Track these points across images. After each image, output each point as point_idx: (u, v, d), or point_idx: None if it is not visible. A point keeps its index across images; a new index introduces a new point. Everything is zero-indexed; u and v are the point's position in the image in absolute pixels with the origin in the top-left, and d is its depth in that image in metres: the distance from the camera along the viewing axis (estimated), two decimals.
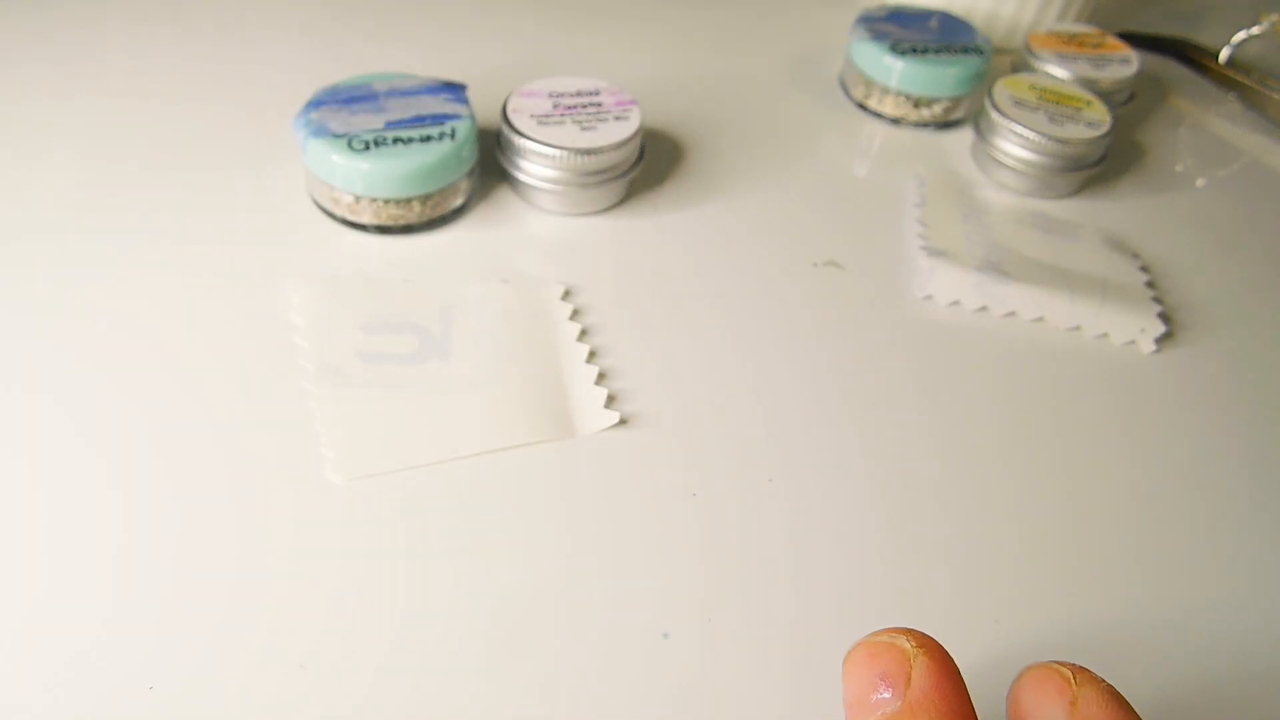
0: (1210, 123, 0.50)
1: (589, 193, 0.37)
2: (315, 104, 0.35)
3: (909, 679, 0.20)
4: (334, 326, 0.32)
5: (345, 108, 0.35)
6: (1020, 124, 0.40)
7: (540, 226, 0.37)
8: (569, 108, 0.37)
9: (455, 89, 0.36)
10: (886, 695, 0.20)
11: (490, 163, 0.38)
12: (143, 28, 0.44)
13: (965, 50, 0.44)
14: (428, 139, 0.34)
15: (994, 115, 0.41)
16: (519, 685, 0.24)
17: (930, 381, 0.34)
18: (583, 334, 0.33)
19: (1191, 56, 0.52)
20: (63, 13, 0.44)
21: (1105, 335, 0.36)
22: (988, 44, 0.45)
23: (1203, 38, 0.52)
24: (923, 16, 0.46)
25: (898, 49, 0.44)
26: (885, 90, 0.44)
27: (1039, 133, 0.40)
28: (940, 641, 0.21)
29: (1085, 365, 0.35)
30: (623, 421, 0.30)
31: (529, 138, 0.35)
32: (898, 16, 0.46)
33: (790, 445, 0.31)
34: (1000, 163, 0.42)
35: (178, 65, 0.42)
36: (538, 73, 0.39)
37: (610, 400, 0.31)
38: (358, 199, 0.34)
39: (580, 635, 0.25)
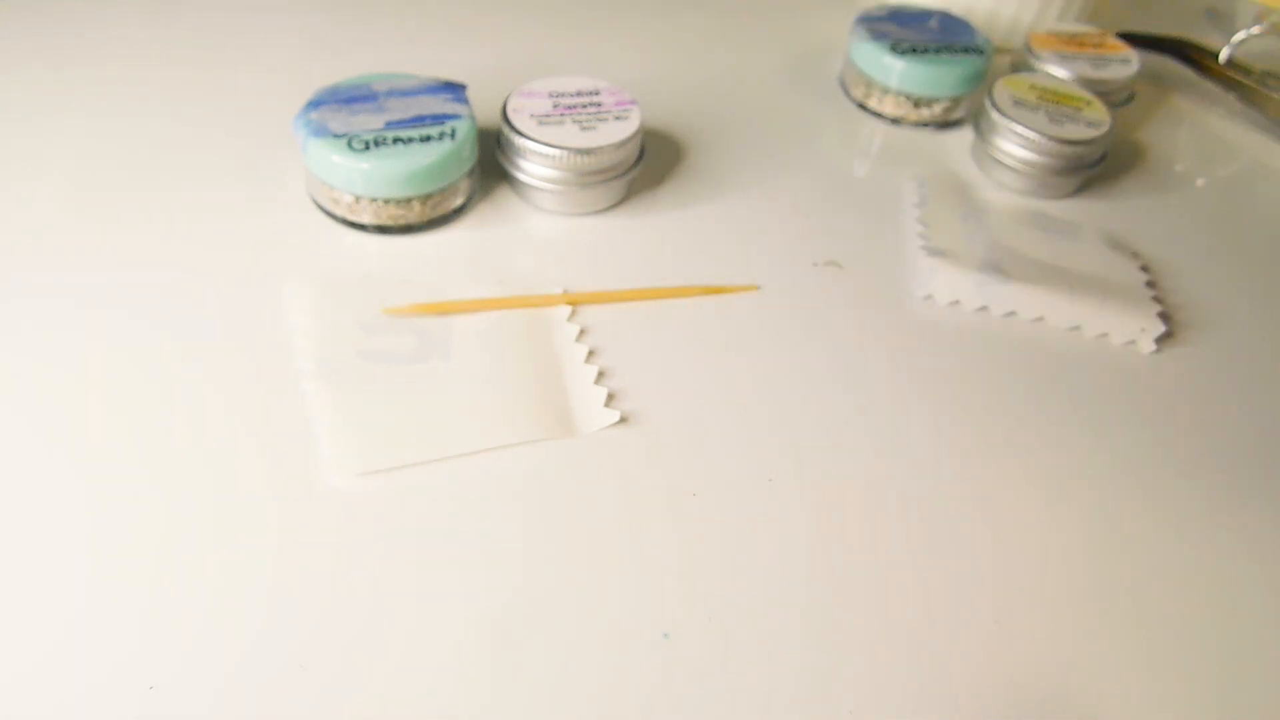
0: (1210, 123, 0.50)
1: (589, 193, 0.37)
2: (315, 104, 0.35)
3: None
4: (334, 326, 0.32)
5: (345, 108, 0.35)
6: (1020, 124, 0.40)
7: (540, 226, 0.37)
8: (569, 108, 0.37)
9: (455, 89, 0.36)
10: None
11: (490, 163, 0.38)
12: (142, 28, 0.44)
13: (965, 50, 0.44)
14: (428, 139, 0.34)
15: (994, 115, 0.41)
16: (518, 684, 0.24)
17: (930, 381, 0.34)
18: (582, 333, 0.33)
19: (1191, 56, 0.51)
20: (62, 11, 0.45)
21: (1105, 335, 0.36)
22: (988, 44, 0.45)
23: (1203, 38, 0.52)
24: (923, 16, 0.46)
25: (898, 49, 0.44)
26: (885, 90, 0.44)
27: (1039, 133, 0.40)
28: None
29: (1085, 365, 0.35)
30: (623, 420, 0.30)
31: (529, 137, 0.35)
32: (898, 16, 0.46)
33: (790, 445, 0.31)
34: (1000, 163, 0.42)
35: (177, 66, 0.42)
36: (538, 73, 0.39)
37: (610, 399, 0.31)
38: (358, 199, 0.34)
39: (580, 635, 0.25)
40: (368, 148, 0.33)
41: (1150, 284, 0.38)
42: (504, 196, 0.38)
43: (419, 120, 0.35)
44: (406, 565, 0.26)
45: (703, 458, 0.30)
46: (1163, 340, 0.36)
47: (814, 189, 0.41)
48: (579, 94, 0.37)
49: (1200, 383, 0.35)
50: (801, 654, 0.26)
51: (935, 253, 0.37)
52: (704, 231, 0.38)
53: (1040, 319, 0.36)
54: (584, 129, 0.36)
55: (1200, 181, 0.46)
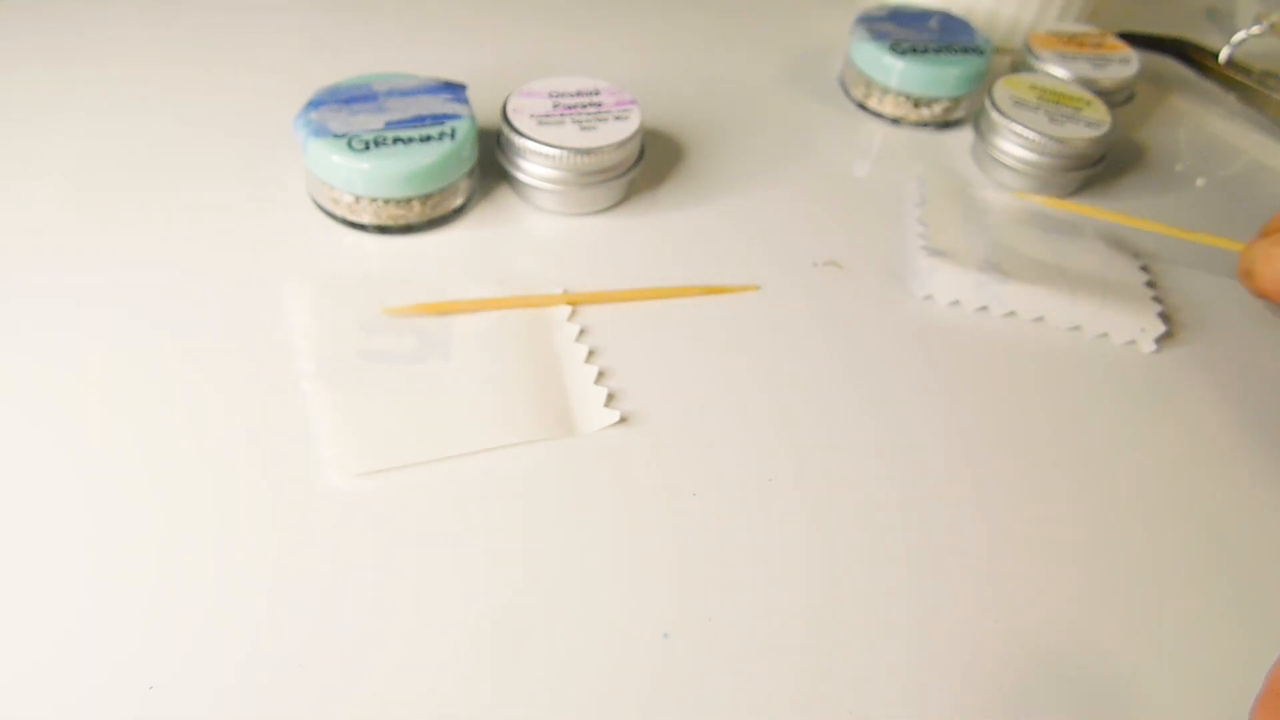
0: (1210, 123, 0.50)
1: (589, 192, 0.37)
2: (315, 104, 0.35)
3: None
4: (334, 326, 0.32)
5: (345, 108, 0.35)
6: (1020, 124, 0.40)
7: (540, 226, 0.37)
8: (569, 108, 0.37)
9: (455, 89, 0.36)
10: None
11: (490, 163, 0.38)
12: (142, 28, 0.45)
13: (965, 50, 0.44)
14: (428, 139, 0.34)
15: (994, 115, 0.41)
16: (519, 685, 0.24)
17: (930, 381, 0.34)
18: (582, 333, 0.33)
19: (1191, 56, 0.51)
20: (62, 11, 0.45)
21: (1105, 335, 0.36)
22: (988, 44, 0.45)
23: (1203, 38, 0.52)
24: (923, 16, 0.46)
25: (898, 49, 0.44)
26: (885, 90, 0.44)
27: (1039, 132, 0.40)
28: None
29: (1085, 365, 0.35)
30: (623, 420, 0.31)
31: (529, 138, 0.35)
32: (898, 16, 0.46)
33: (790, 445, 0.31)
34: (1000, 163, 0.42)
35: (177, 66, 0.43)
36: (538, 73, 0.39)
37: (610, 399, 0.31)
38: (358, 199, 0.34)
39: (580, 635, 0.25)
40: (368, 148, 0.33)
41: (1150, 284, 0.38)
42: (504, 196, 0.38)
43: (419, 120, 0.35)
44: (406, 565, 0.26)
45: (703, 458, 0.30)
46: (1163, 340, 0.36)
47: (814, 189, 0.41)
48: (579, 94, 0.37)
49: (1200, 382, 0.35)
50: (801, 654, 0.26)
51: (935, 252, 0.37)
52: (704, 231, 0.38)
53: (1040, 319, 0.36)
54: (584, 129, 0.36)
55: (1200, 181, 0.46)
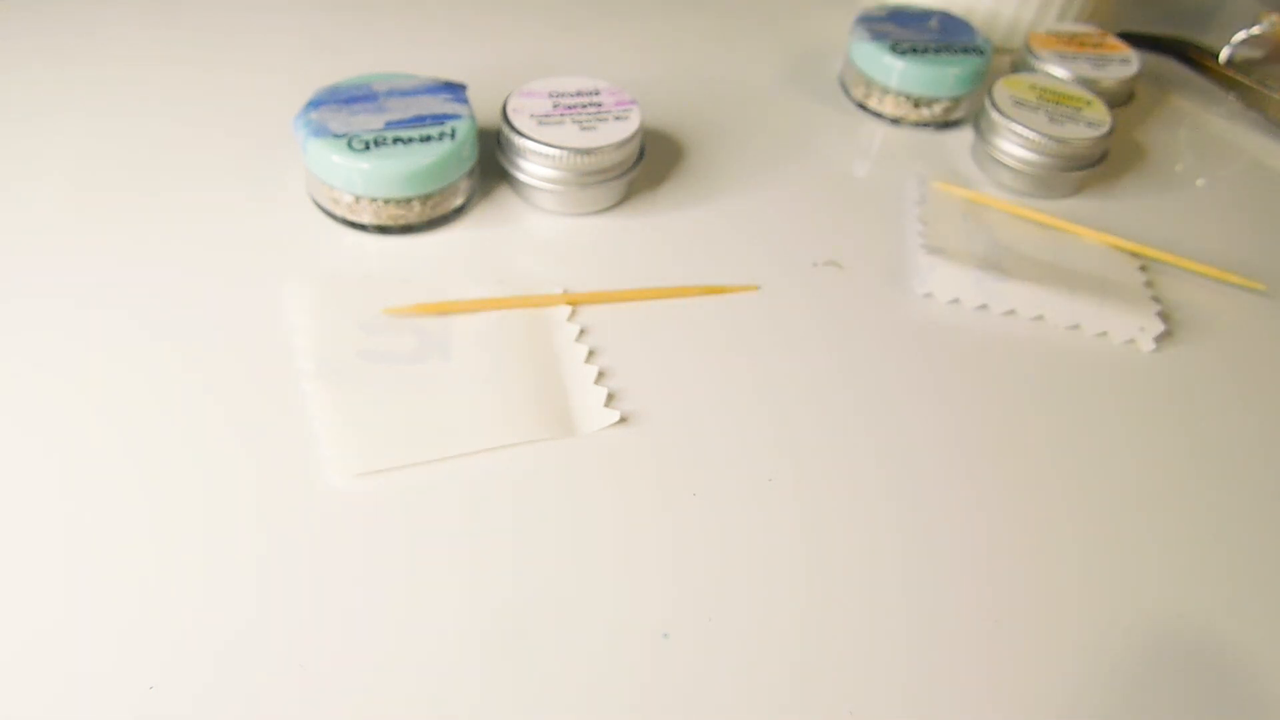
0: (1210, 123, 0.50)
1: (589, 193, 0.37)
2: (315, 104, 0.35)
3: None
4: (334, 326, 0.32)
5: (345, 108, 0.35)
6: (1020, 124, 0.40)
7: (540, 226, 0.37)
8: (569, 108, 0.37)
9: (455, 89, 0.36)
10: None
11: (490, 163, 0.38)
12: (142, 28, 0.45)
13: (965, 50, 0.44)
14: (428, 139, 0.34)
15: (994, 115, 0.41)
16: (519, 684, 0.24)
17: (930, 379, 0.34)
18: (582, 333, 0.33)
19: (1191, 56, 0.51)
20: (62, 11, 0.45)
21: (1104, 334, 0.36)
22: (988, 44, 0.45)
23: (1203, 38, 0.52)
24: (923, 16, 0.46)
25: (898, 49, 0.44)
26: (885, 90, 0.44)
27: (1039, 133, 0.40)
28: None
29: (1084, 363, 0.35)
30: (622, 420, 0.31)
31: (529, 138, 0.35)
32: (898, 16, 0.46)
33: (790, 445, 0.31)
34: (1000, 162, 0.42)
35: (177, 66, 0.43)
36: (538, 73, 0.39)
37: (610, 399, 0.31)
38: (358, 199, 0.34)
39: (580, 635, 0.25)
40: (368, 148, 0.33)
41: (1149, 283, 0.38)
42: (504, 196, 0.38)
43: (419, 120, 0.35)
44: (406, 565, 0.26)
45: (703, 458, 0.30)
46: (1161, 339, 0.36)
47: (814, 189, 0.41)
48: (579, 94, 0.37)
49: (1199, 381, 0.35)
50: (801, 654, 0.26)
51: (935, 250, 0.37)
52: (704, 231, 0.38)
53: (1040, 317, 0.36)
54: (584, 129, 0.36)
55: (1200, 181, 0.46)
